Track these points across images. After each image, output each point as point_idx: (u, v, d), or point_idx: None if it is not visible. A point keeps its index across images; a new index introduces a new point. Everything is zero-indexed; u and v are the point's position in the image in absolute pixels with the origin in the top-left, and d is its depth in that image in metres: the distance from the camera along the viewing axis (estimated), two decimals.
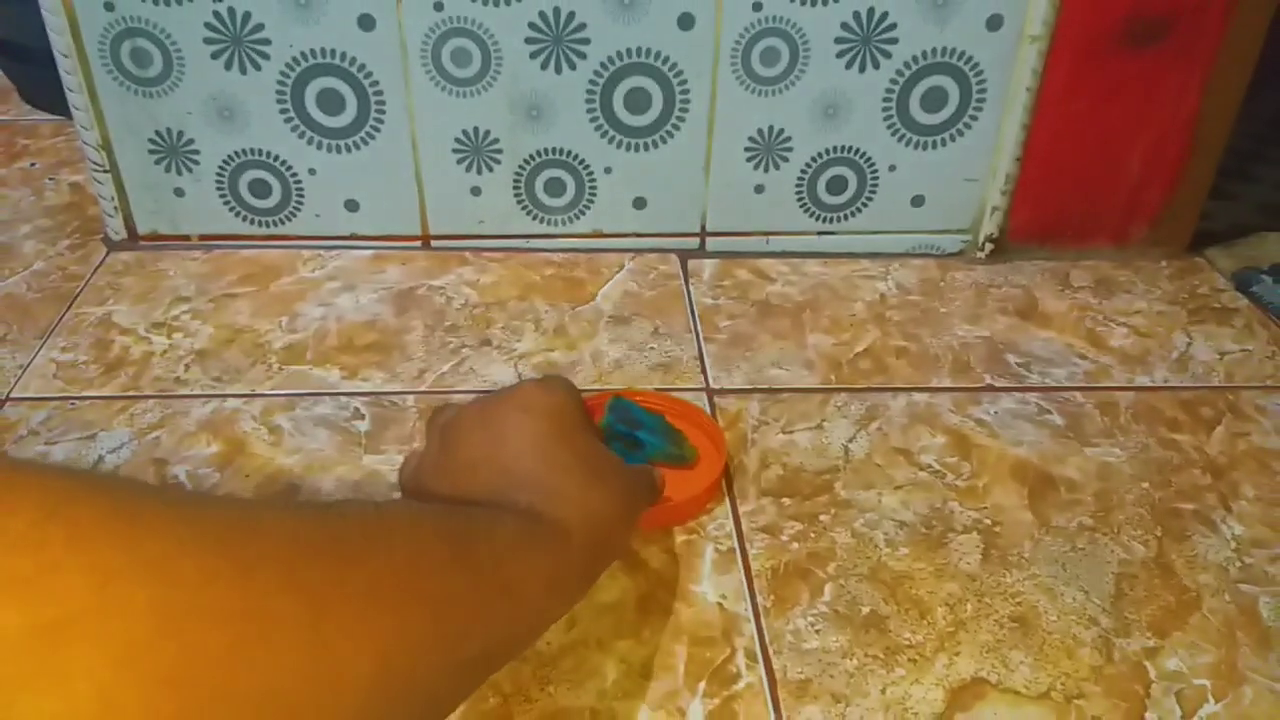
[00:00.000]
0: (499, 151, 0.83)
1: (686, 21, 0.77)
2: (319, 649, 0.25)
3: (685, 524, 0.60)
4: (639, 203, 0.86)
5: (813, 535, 0.59)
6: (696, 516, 0.60)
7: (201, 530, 0.25)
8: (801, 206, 0.86)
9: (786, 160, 0.84)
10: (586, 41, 0.78)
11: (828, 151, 0.83)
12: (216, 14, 0.76)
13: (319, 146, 0.82)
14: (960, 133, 0.83)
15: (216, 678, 0.23)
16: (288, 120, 0.81)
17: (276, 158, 0.83)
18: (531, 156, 0.83)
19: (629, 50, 0.78)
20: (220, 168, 0.84)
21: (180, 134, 0.82)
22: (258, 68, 0.79)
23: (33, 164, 1.02)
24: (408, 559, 0.30)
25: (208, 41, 0.78)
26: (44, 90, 1.12)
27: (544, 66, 0.79)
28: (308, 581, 0.26)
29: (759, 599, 0.55)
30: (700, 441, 0.64)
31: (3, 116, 1.13)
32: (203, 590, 0.23)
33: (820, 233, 0.88)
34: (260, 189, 0.85)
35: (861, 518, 0.60)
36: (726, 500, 0.61)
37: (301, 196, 0.85)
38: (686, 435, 0.63)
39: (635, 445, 0.60)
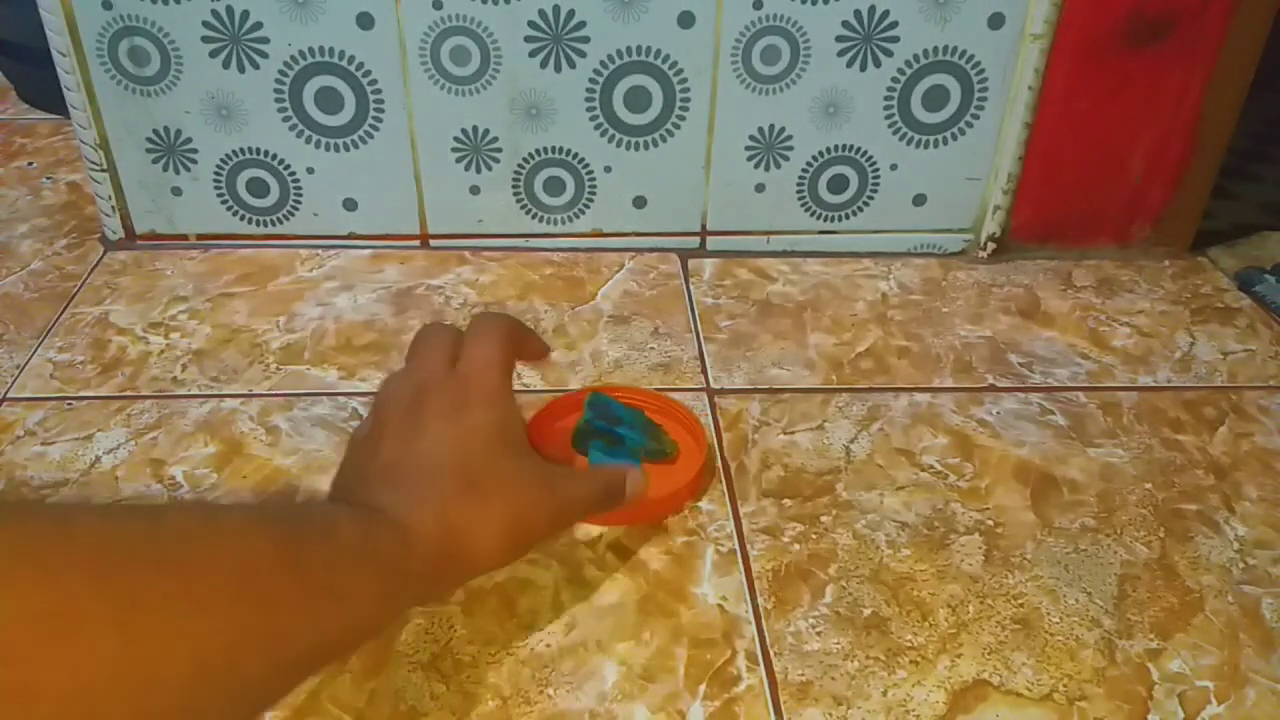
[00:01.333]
0: (498, 150, 0.83)
1: (686, 20, 0.77)
2: (128, 647, 0.26)
3: (665, 519, 0.59)
4: (639, 202, 0.85)
5: (814, 536, 0.59)
6: (677, 512, 0.60)
7: (6, 539, 0.25)
8: (802, 205, 0.86)
9: (787, 159, 0.83)
10: (586, 40, 0.77)
11: (829, 150, 0.83)
12: (215, 12, 0.76)
13: (317, 145, 0.82)
14: (962, 131, 0.82)
15: (18, 676, 0.24)
16: (286, 119, 0.81)
17: (275, 157, 0.83)
18: (531, 155, 0.83)
19: (629, 49, 0.78)
20: (218, 167, 0.83)
21: (178, 133, 0.82)
22: (256, 66, 0.78)
23: (30, 163, 1.02)
24: (232, 560, 0.31)
25: (206, 40, 0.77)
26: (41, 89, 1.12)
27: (543, 65, 0.79)
28: (117, 582, 0.27)
29: (760, 601, 0.55)
30: (680, 436, 0.64)
31: (0, 115, 1.13)
32: (3, 594, 0.24)
33: (821, 232, 0.87)
34: (258, 188, 0.84)
35: (863, 519, 0.60)
36: (727, 501, 0.61)
37: (300, 195, 0.85)
38: (666, 429, 0.64)
39: (616, 441, 0.60)
